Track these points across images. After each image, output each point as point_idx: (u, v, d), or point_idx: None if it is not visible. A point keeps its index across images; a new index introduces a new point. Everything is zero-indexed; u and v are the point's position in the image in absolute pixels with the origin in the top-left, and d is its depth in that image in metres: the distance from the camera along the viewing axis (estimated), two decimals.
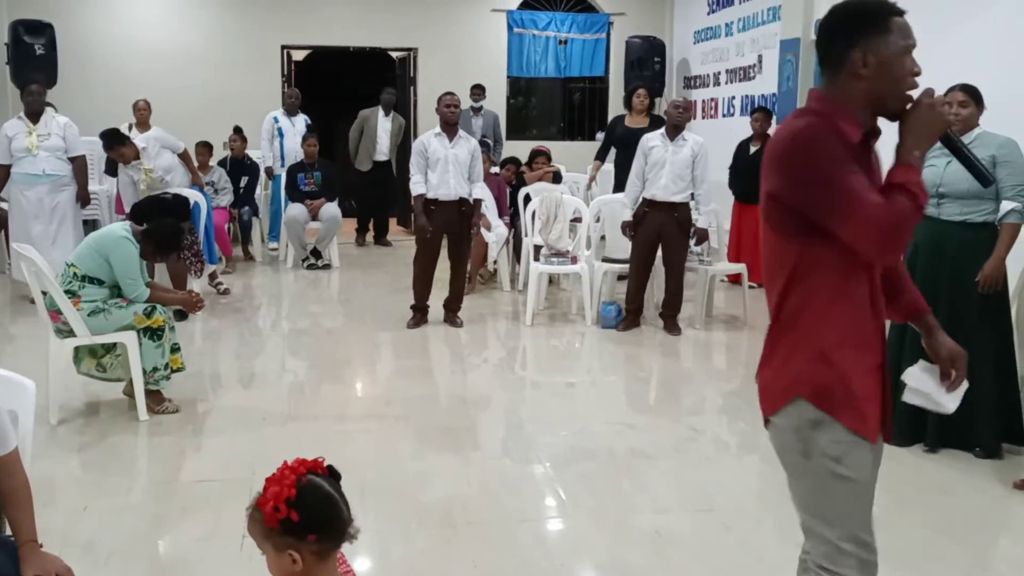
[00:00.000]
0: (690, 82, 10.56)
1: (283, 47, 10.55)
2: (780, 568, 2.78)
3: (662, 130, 6.20)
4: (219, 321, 6.49)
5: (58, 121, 6.71)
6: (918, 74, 1.89)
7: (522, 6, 11.02)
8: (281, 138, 9.08)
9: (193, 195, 6.71)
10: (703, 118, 10.05)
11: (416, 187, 6.14)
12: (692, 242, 6.28)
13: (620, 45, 10.85)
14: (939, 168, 3.96)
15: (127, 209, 6.95)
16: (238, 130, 8.85)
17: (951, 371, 2.05)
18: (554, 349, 6.08)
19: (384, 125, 9.72)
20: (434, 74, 10.42)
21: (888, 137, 1.95)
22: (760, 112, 7.88)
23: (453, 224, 6.22)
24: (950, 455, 4.04)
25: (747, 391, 5.04)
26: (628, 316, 6.33)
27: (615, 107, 10.93)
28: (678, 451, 4.15)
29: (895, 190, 1.81)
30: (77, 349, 4.40)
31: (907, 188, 1.81)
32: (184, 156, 7.14)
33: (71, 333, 4.27)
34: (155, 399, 4.43)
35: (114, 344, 4.41)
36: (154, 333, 4.34)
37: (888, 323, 2.07)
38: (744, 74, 9.12)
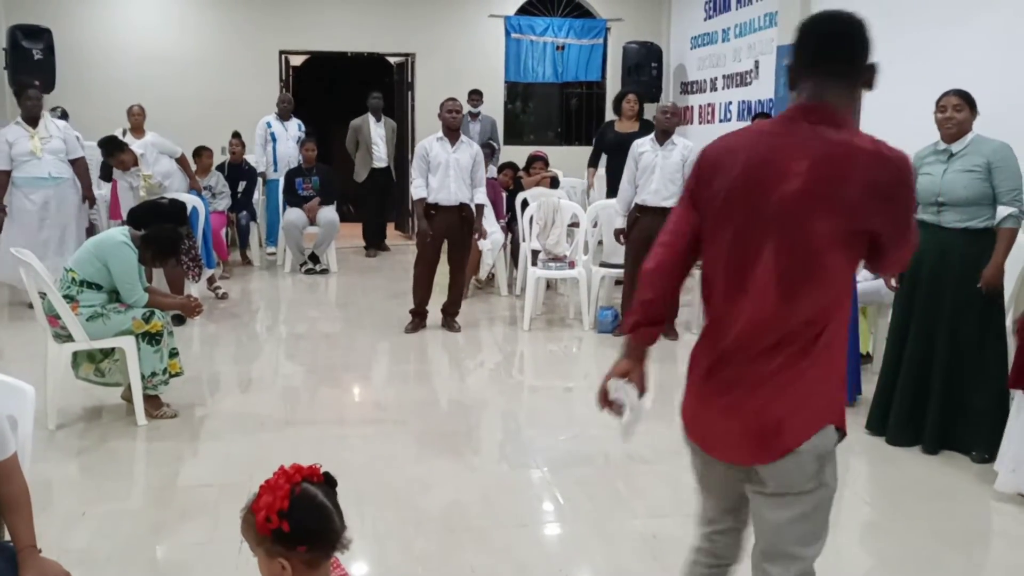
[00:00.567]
0: (687, 87, 10.59)
1: (281, 52, 10.56)
2: None
3: (652, 135, 6.23)
4: (217, 326, 6.49)
5: (57, 124, 6.74)
6: None
7: (520, 12, 11.04)
8: (274, 143, 9.08)
9: (191, 200, 6.73)
10: (700, 123, 10.07)
11: (417, 191, 6.15)
12: None
13: (617, 50, 10.87)
14: (936, 176, 3.97)
15: (124, 214, 7.00)
16: (237, 135, 8.86)
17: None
18: (551, 354, 6.08)
19: (378, 131, 9.65)
20: (432, 79, 10.43)
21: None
22: (760, 118, 7.89)
23: (453, 229, 6.22)
24: (948, 459, 4.06)
25: None
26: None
27: (612, 112, 10.94)
28: (675, 455, 4.12)
29: None
30: (75, 354, 4.40)
31: None
32: (182, 161, 7.16)
33: (69, 338, 4.27)
34: (153, 404, 4.44)
35: (112, 349, 4.42)
36: (152, 338, 4.35)
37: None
38: (741, 79, 9.14)
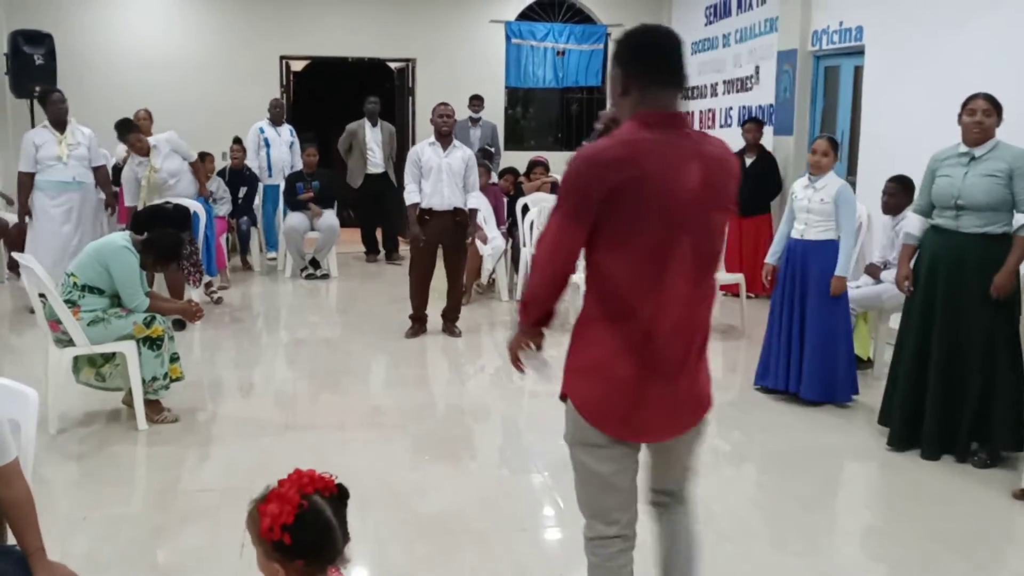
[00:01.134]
0: (687, 93, 10.59)
1: (282, 57, 10.59)
2: None
3: None
4: (218, 331, 6.49)
5: (83, 131, 6.80)
6: None
7: (520, 17, 11.07)
8: (267, 148, 9.06)
9: (193, 205, 6.73)
10: (701, 129, 10.07)
11: (410, 196, 6.14)
12: None
13: None
14: (956, 179, 3.92)
15: (128, 201, 7.06)
16: (238, 140, 8.87)
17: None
18: (552, 359, 6.06)
19: (374, 136, 9.46)
20: (432, 85, 10.44)
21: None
22: (752, 123, 7.88)
23: (447, 234, 6.20)
24: (948, 463, 4.05)
25: (743, 400, 5.06)
26: None
27: None
28: None
29: None
30: (76, 358, 4.41)
31: None
32: (195, 166, 7.17)
33: (71, 342, 4.27)
34: (154, 408, 4.44)
35: (113, 354, 4.42)
36: (153, 343, 4.35)
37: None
38: (741, 85, 9.15)
